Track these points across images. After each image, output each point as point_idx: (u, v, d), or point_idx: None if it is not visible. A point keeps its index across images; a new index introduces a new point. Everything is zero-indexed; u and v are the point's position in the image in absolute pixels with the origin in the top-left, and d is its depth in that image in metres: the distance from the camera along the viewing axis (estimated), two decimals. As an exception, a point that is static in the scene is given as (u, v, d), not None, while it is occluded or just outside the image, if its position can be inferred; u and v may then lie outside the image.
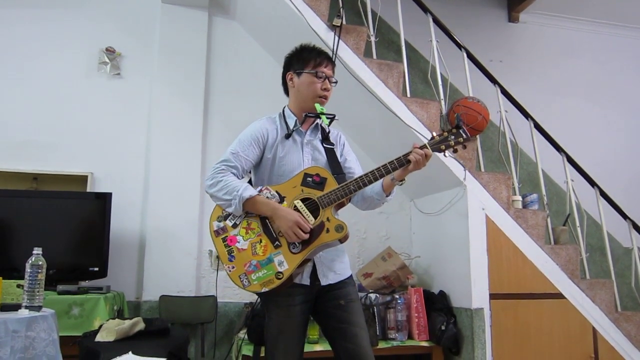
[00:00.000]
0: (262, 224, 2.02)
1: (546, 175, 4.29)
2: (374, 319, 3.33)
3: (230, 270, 1.99)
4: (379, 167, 2.00)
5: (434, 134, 2.07)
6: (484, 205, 3.41)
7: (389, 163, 2.00)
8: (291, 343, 2.04)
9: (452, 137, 2.03)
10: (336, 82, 2.21)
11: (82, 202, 3.52)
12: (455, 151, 2.06)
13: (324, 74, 2.14)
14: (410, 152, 2.00)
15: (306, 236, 1.94)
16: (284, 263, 1.96)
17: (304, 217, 1.97)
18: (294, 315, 2.04)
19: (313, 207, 2.00)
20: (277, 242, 1.98)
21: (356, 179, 2.01)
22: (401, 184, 2.08)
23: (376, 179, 2.00)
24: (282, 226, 1.96)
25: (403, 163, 2.00)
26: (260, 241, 2.00)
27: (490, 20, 5.13)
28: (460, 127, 2.04)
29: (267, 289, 1.96)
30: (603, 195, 3.89)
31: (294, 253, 1.96)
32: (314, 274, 2.07)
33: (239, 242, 2.01)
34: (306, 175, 2.04)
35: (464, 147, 2.06)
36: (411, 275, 3.64)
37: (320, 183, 2.02)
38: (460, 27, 4.14)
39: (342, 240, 2.01)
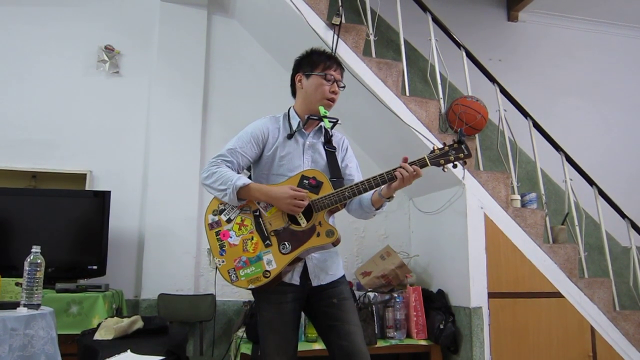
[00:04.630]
0: (255, 221, 2.03)
1: (545, 174, 4.30)
2: (373, 318, 3.33)
3: (220, 264, 2.02)
4: (376, 176, 1.99)
5: (435, 147, 2.04)
6: (483, 204, 3.41)
7: (385, 173, 1.99)
8: (283, 340, 2.04)
9: (453, 152, 2.01)
10: (344, 87, 2.21)
11: (80, 200, 3.52)
12: (455, 166, 2.03)
13: (332, 77, 2.14)
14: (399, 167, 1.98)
15: (306, 203, 1.96)
16: (272, 262, 1.98)
17: (296, 217, 1.99)
18: (285, 312, 2.04)
19: (307, 209, 2.01)
20: (268, 242, 2.00)
21: (351, 186, 2.00)
22: (389, 201, 2.08)
23: (372, 188, 1.99)
24: (280, 205, 1.98)
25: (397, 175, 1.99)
26: (252, 238, 2.01)
27: (489, 19, 5.13)
28: (463, 142, 2.01)
29: (253, 286, 1.98)
30: (602, 194, 3.89)
31: (283, 254, 1.98)
32: (304, 274, 2.07)
33: (231, 237, 2.03)
34: (303, 177, 2.05)
35: (464, 162, 2.04)
36: (410, 274, 3.64)
37: (316, 186, 2.03)
38: (459, 26, 4.14)
39: (334, 244, 2.02)
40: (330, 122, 2.11)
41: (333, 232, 1.98)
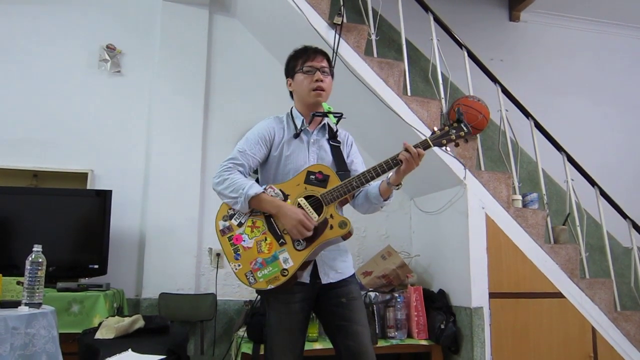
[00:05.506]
0: (266, 222, 2.03)
1: (546, 174, 4.29)
2: (374, 318, 3.33)
3: (236, 269, 2.01)
4: (381, 163, 2.01)
5: (436, 128, 2.07)
6: (484, 204, 3.41)
7: (390, 158, 2.01)
8: (290, 340, 2.05)
9: (454, 131, 2.03)
10: (331, 70, 2.21)
11: (82, 200, 3.52)
12: (457, 145, 2.06)
13: (311, 67, 2.15)
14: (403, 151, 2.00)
15: (309, 234, 1.97)
16: (289, 260, 1.98)
17: (308, 214, 1.99)
18: (293, 312, 2.05)
19: (316, 204, 2.02)
20: (282, 240, 2.00)
21: (358, 175, 2.02)
22: (397, 188, 2.09)
23: (379, 175, 2.01)
24: (286, 224, 1.99)
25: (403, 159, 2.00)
26: (266, 239, 2.02)
27: (491, 19, 5.13)
28: (462, 120, 2.04)
29: (273, 286, 1.97)
30: (603, 194, 3.89)
31: (298, 250, 1.98)
32: (314, 273, 2.08)
33: (244, 240, 2.03)
34: (309, 173, 2.06)
35: (466, 140, 2.05)
36: (411, 273, 3.64)
37: (323, 180, 2.04)
38: (461, 26, 4.13)
39: (346, 237, 2.02)
40: (335, 116, 2.11)
41: (346, 223, 1.99)
